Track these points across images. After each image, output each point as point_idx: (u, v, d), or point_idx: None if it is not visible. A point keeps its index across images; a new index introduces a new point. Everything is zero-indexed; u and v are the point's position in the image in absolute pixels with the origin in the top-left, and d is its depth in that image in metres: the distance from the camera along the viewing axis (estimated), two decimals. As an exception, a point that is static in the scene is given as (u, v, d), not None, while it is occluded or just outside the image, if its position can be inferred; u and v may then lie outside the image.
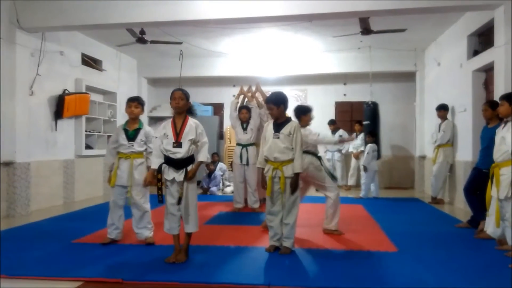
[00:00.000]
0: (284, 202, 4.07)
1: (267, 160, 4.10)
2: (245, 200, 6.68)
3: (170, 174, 3.70)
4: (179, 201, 3.67)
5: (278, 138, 4.01)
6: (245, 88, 7.23)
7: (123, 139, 4.31)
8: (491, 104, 4.91)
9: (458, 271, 3.51)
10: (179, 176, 3.68)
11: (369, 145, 8.17)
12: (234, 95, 10.69)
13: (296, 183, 4.02)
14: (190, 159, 3.71)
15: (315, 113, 10.60)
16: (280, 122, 4.10)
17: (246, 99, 7.08)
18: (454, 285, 3.20)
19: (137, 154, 4.32)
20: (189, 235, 3.80)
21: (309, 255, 3.99)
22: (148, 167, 4.27)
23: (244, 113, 6.57)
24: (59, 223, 5.63)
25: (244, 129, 6.57)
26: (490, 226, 4.37)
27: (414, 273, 3.47)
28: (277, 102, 4.07)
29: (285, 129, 4.02)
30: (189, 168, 3.70)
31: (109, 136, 5.27)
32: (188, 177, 3.68)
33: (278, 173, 4.02)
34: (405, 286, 3.15)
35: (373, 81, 9.52)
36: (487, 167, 4.43)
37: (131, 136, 4.31)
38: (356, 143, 8.98)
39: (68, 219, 5.95)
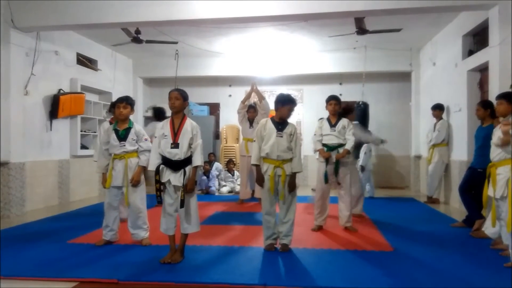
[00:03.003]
0: (283, 200, 4.11)
1: (264, 158, 4.10)
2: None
3: (167, 175, 3.69)
4: (182, 204, 3.65)
5: (282, 137, 4.06)
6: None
7: (114, 139, 4.28)
8: (483, 104, 4.95)
9: (453, 271, 3.53)
10: (178, 179, 3.65)
11: (365, 145, 8.17)
12: (230, 95, 10.87)
13: (294, 181, 4.08)
14: (188, 160, 3.70)
15: (310, 112, 10.66)
16: (280, 122, 4.13)
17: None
18: (449, 284, 3.21)
19: (131, 153, 4.30)
20: (186, 235, 3.79)
21: (305, 254, 3.99)
22: (139, 167, 4.27)
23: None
24: (54, 223, 5.60)
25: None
26: (490, 227, 4.38)
27: (410, 272, 3.48)
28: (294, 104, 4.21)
29: (287, 129, 4.10)
30: (187, 169, 3.67)
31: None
32: (188, 189, 3.66)
33: (278, 171, 4.05)
34: (401, 285, 3.16)
35: (368, 81, 9.55)
36: (482, 167, 4.45)
37: (122, 135, 4.28)
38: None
39: (63, 219, 5.93)
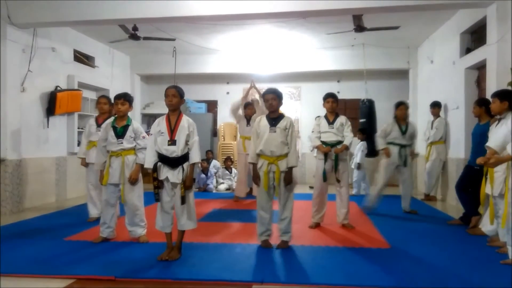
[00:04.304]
0: (279, 196, 4.10)
1: (260, 155, 4.10)
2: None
3: (164, 173, 3.67)
4: (183, 201, 3.64)
5: (275, 132, 4.03)
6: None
7: (112, 136, 4.26)
8: (479, 102, 4.97)
9: (450, 268, 3.54)
10: (176, 176, 3.64)
11: (361, 143, 8.19)
12: (228, 92, 10.85)
13: (290, 177, 4.04)
14: (185, 157, 3.69)
15: (308, 110, 10.61)
16: (274, 117, 4.11)
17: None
18: (446, 281, 3.22)
19: (128, 151, 4.28)
20: (183, 232, 3.79)
21: (302, 251, 3.99)
22: (137, 164, 4.26)
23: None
24: (51, 220, 5.59)
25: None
26: (487, 224, 4.39)
27: (407, 269, 3.48)
28: (279, 95, 4.14)
29: (281, 124, 4.06)
30: (185, 165, 3.67)
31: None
32: (187, 186, 3.65)
33: (273, 167, 4.04)
34: (397, 283, 3.16)
35: (366, 79, 9.54)
36: (479, 164, 4.45)
37: (120, 133, 4.27)
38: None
39: (61, 216, 5.91)
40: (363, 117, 8.83)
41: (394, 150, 6.04)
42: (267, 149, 4.03)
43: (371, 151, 8.32)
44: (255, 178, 4.13)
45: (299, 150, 9.98)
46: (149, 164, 3.72)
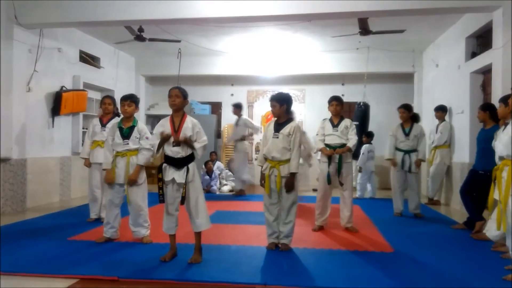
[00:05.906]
0: (282, 201, 4.10)
1: (266, 159, 4.13)
2: None
3: (170, 174, 3.66)
4: (182, 201, 3.62)
5: (278, 138, 4.04)
6: None
7: (118, 137, 4.27)
8: (483, 107, 4.96)
9: (454, 272, 3.52)
10: (181, 176, 3.62)
11: (364, 146, 8.18)
12: (232, 94, 10.87)
13: (292, 183, 4.03)
14: (190, 158, 3.69)
15: (312, 113, 10.62)
16: (281, 122, 4.12)
17: None
18: (449, 286, 3.20)
19: (133, 151, 4.29)
20: (199, 233, 3.73)
21: (306, 254, 3.98)
22: (137, 165, 4.26)
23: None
24: (55, 220, 5.61)
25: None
26: (491, 230, 4.36)
27: (410, 273, 3.47)
28: (280, 100, 4.11)
29: (285, 129, 4.05)
30: (190, 166, 3.65)
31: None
32: (180, 139, 3.57)
33: (274, 171, 4.04)
34: (401, 286, 3.16)
35: (371, 82, 9.53)
36: (483, 169, 4.45)
37: (126, 134, 4.28)
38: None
39: (64, 216, 5.93)
40: (356, 120, 8.85)
41: (398, 156, 6.10)
42: (269, 154, 4.07)
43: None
44: (261, 180, 4.15)
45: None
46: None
